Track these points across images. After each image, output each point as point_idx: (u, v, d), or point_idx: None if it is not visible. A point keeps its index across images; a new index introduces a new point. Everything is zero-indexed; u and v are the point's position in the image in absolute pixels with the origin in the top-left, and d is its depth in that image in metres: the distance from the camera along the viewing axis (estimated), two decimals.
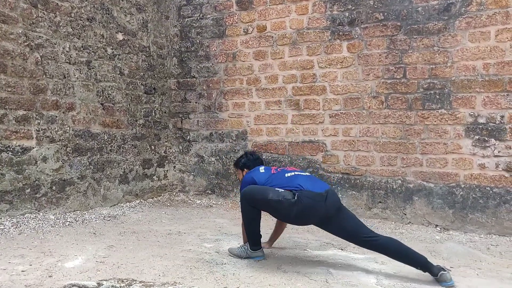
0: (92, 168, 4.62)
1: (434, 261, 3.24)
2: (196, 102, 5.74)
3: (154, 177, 5.58)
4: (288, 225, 4.33)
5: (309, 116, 4.97)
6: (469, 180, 4.16)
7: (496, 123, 4.04)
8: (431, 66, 4.34)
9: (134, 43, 5.26)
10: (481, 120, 4.11)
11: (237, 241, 3.56)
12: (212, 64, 5.60)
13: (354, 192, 4.70)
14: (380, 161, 4.58)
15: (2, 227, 3.55)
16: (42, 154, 4.03)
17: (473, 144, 4.14)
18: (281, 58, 5.14)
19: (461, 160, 4.20)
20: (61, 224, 3.86)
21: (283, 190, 2.77)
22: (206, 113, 5.67)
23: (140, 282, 2.16)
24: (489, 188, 4.07)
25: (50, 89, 4.13)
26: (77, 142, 4.44)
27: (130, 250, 3.16)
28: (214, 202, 5.46)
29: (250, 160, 3.28)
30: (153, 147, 5.57)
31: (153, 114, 5.60)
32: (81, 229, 3.76)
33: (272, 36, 5.18)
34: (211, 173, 5.62)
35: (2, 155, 3.72)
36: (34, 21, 3.96)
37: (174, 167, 5.89)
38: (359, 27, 4.69)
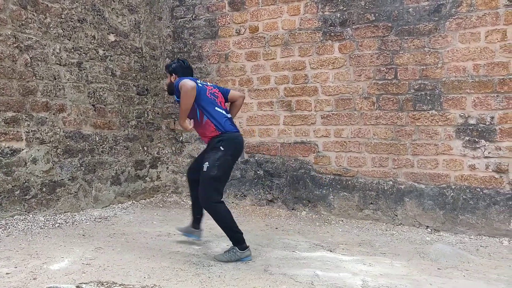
0: (83, 169, 4.61)
1: (423, 262, 3.27)
2: None
3: (146, 178, 5.58)
4: (279, 227, 4.35)
5: (301, 117, 4.96)
6: (460, 181, 4.16)
7: (486, 124, 4.04)
8: (422, 67, 4.34)
9: (126, 44, 5.25)
10: (471, 121, 4.12)
11: (226, 243, 3.55)
12: (205, 65, 5.60)
13: (345, 193, 4.70)
14: (371, 162, 4.58)
15: None
16: (32, 155, 4.02)
17: (464, 145, 4.14)
18: (273, 59, 5.14)
19: (452, 161, 4.20)
20: (51, 226, 3.85)
21: (211, 155, 3.08)
22: None
23: (120, 285, 2.16)
24: (479, 189, 4.07)
25: (40, 90, 4.13)
26: (68, 143, 4.43)
27: (118, 252, 3.16)
28: None
29: (181, 67, 3.38)
30: (145, 148, 5.57)
31: (146, 115, 5.60)
32: (70, 231, 3.75)
33: (264, 37, 5.18)
34: None
35: None
36: (23, 22, 3.95)
37: (167, 168, 5.88)
38: (350, 28, 4.69)
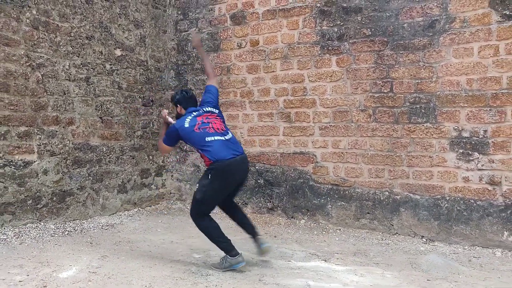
0: (91, 179, 4.82)
1: (414, 273, 3.40)
2: None
3: (152, 186, 5.78)
4: (278, 236, 4.49)
5: (300, 128, 5.12)
6: (454, 192, 4.28)
7: (480, 137, 4.16)
8: (417, 81, 4.47)
9: (132, 58, 5.46)
10: (465, 134, 4.23)
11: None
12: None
13: (343, 203, 4.84)
14: (368, 173, 4.71)
15: (4, 237, 3.76)
16: (43, 167, 4.25)
17: (458, 157, 4.26)
18: (273, 71, 5.30)
19: (446, 173, 4.32)
20: (60, 233, 4.06)
21: (201, 180, 3.32)
22: None
23: None
24: (473, 201, 4.19)
25: (50, 105, 4.35)
26: (77, 154, 4.65)
27: (123, 260, 3.35)
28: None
29: (184, 97, 3.59)
30: (151, 157, 5.77)
31: (151, 125, 5.80)
32: (78, 238, 3.96)
33: (265, 50, 5.35)
34: None
35: (5, 169, 3.94)
36: (35, 42, 4.18)
37: (172, 176, 6.08)
38: (347, 42, 4.83)
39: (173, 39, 6.06)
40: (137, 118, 5.55)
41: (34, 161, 4.17)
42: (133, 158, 5.46)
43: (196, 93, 5.83)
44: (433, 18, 4.38)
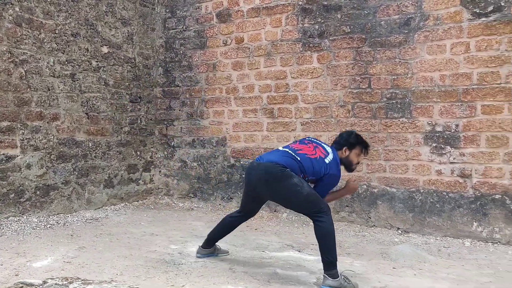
0: (76, 173, 4.94)
1: (382, 262, 3.51)
2: (179, 110, 6.03)
3: (139, 181, 5.90)
4: (259, 228, 4.59)
5: (283, 123, 5.23)
6: (428, 185, 4.39)
7: (452, 131, 4.26)
8: (393, 77, 4.57)
9: (119, 55, 5.57)
10: (438, 129, 4.34)
11: (201, 243, 3.83)
12: (194, 73, 5.90)
13: None
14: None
15: None
16: (26, 161, 4.37)
17: (431, 151, 4.36)
18: (257, 68, 5.41)
19: (420, 166, 4.42)
20: (43, 226, 4.18)
21: None
22: (189, 120, 5.97)
23: (82, 280, 2.44)
24: (445, 193, 4.29)
25: (34, 101, 4.47)
26: (61, 149, 4.77)
27: (99, 251, 3.47)
28: (195, 205, 5.75)
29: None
30: (138, 152, 5.88)
31: (139, 121, 5.91)
32: (60, 231, 4.08)
33: (249, 48, 5.46)
34: (193, 178, 5.91)
35: None
36: (18, 39, 4.29)
37: (160, 171, 6.19)
38: (328, 39, 4.93)
39: (161, 37, 6.17)
40: (124, 114, 5.66)
41: (17, 156, 4.28)
42: (120, 154, 5.58)
43: (183, 89, 5.99)
44: (408, 16, 4.48)
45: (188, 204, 5.81)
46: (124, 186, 5.64)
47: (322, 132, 4.97)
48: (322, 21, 4.97)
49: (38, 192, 4.49)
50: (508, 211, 4.01)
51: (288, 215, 5.13)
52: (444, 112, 4.30)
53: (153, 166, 6.13)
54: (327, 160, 3.03)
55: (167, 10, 6.13)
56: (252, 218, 5.05)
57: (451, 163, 4.27)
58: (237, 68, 5.55)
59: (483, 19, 4.11)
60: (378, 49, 4.65)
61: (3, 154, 4.16)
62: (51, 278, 2.47)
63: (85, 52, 5.07)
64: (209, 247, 3.42)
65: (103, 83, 5.34)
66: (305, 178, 3.00)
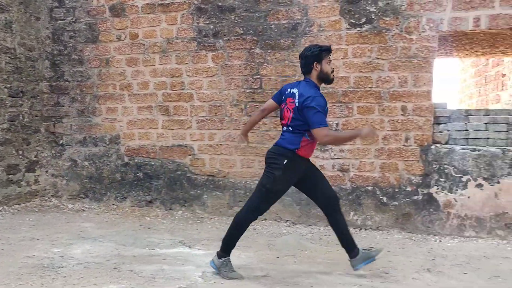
0: None
1: (267, 252, 3.72)
2: (69, 106, 5.69)
3: (22, 182, 5.44)
4: (152, 227, 4.55)
5: (178, 121, 5.24)
6: None
7: (333, 129, 4.67)
8: (283, 78, 4.86)
9: None
10: None
11: (89, 245, 3.70)
12: (86, 68, 5.61)
13: (218, 193, 5.07)
14: (240, 164, 5.00)
15: None
16: None
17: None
18: (152, 65, 5.33)
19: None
20: None
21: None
22: (79, 117, 5.66)
23: None
24: None
25: None
26: None
27: None
28: (86, 207, 5.48)
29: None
30: (20, 151, 5.42)
31: (21, 118, 5.45)
32: None
33: (144, 44, 5.36)
34: (84, 177, 5.63)
35: None
36: None
37: (47, 171, 5.78)
38: (222, 40, 5.06)
39: (47, 27, 5.75)
40: (2, 110, 5.17)
41: None
42: None
43: (73, 85, 5.66)
44: (296, 22, 4.80)
45: (78, 205, 5.52)
46: (2, 188, 5.15)
47: (217, 130, 5.08)
48: (217, 21, 5.08)
49: None
50: (378, 201, 4.52)
51: (183, 213, 5.16)
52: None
53: (38, 166, 5.70)
54: (296, 102, 2.97)
55: None
56: (146, 217, 5.03)
57: (333, 158, 4.68)
58: (131, 64, 5.42)
59: (358, 29, 4.58)
60: (269, 51, 4.90)
61: None
62: None
63: None
64: None
65: None
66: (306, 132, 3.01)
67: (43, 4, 5.73)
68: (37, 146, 5.68)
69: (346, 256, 3.28)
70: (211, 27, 5.10)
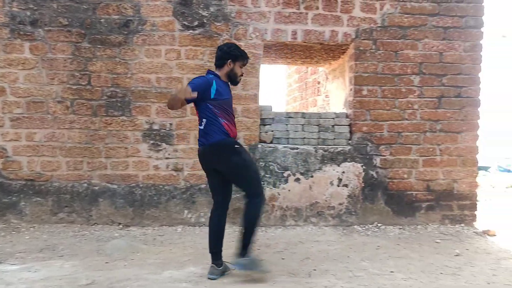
0: None
1: (96, 259, 3.52)
2: None
3: None
4: None
5: None
6: (146, 180, 4.68)
7: (167, 129, 4.69)
8: (114, 76, 4.65)
9: None
10: (155, 127, 4.68)
11: None
12: None
13: (39, 199, 4.56)
14: (66, 166, 4.60)
15: None
16: None
17: (149, 148, 4.67)
18: None
19: (140, 162, 4.67)
20: None
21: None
22: None
23: None
24: (161, 186, 4.69)
25: None
26: None
27: None
28: None
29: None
30: None
31: None
32: None
33: None
34: None
35: None
36: None
37: None
38: (42, 29, 4.56)
39: None
40: None
41: None
42: None
43: None
44: (127, 18, 4.64)
45: None
46: None
47: (37, 130, 4.57)
48: (35, 8, 4.56)
49: None
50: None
51: None
52: (160, 112, 4.68)
53: None
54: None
55: None
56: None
57: (167, 158, 4.69)
58: None
59: (191, 31, 4.69)
60: (98, 46, 4.63)
61: None
62: None
63: None
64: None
65: None
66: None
67: None
68: None
69: (177, 254, 3.34)
70: (28, 13, 4.55)
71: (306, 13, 4.81)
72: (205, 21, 4.70)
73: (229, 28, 4.74)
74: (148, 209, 4.66)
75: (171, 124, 4.69)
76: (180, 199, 4.66)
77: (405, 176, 4.88)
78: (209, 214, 3.36)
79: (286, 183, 4.83)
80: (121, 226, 4.62)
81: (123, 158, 4.65)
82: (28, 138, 4.55)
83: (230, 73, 3.22)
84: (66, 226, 4.54)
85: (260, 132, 4.89)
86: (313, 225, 4.85)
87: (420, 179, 4.89)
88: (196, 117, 4.68)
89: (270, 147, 4.84)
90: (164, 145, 4.67)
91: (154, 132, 4.67)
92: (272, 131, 4.96)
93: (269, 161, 4.82)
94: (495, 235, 4.60)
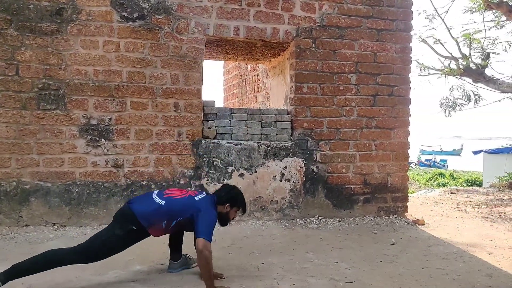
0: None
1: None
2: None
3: None
4: None
5: None
6: (84, 177, 4.45)
7: (106, 124, 4.48)
8: (46, 67, 4.34)
9: None
10: (93, 122, 4.46)
11: None
12: None
13: None
14: None
15: None
16: None
17: (87, 143, 4.44)
18: None
19: (77, 159, 4.43)
20: None
21: None
22: None
23: None
24: (101, 183, 4.48)
25: None
26: None
27: None
28: None
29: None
30: None
31: None
32: None
33: None
34: None
35: None
36: None
37: None
38: None
39: None
40: None
41: None
42: None
43: None
44: (60, 6, 4.36)
45: None
46: None
47: None
48: None
49: None
50: None
51: None
52: (99, 106, 4.46)
53: None
54: (197, 198, 2.99)
55: None
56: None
57: (106, 154, 4.49)
58: None
59: (131, 23, 4.52)
60: (27, 34, 4.30)
61: None
62: None
63: None
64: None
65: None
66: (173, 221, 2.92)
67: None
68: None
69: (124, 253, 3.23)
70: None
71: (248, 10, 4.85)
72: (145, 13, 4.56)
73: (171, 22, 4.64)
74: (86, 208, 4.43)
75: (110, 118, 4.49)
76: (121, 197, 4.49)
77: (344, 170, 5.12)
78: None
79: (230, 178, 4.84)
80: (56, 226, 4.35)
81: (58, 154, 4.37)
82: None
83: (223, 215, 3.12)
84: None
85: (203, 128, 4.85)
86: (257, 219, 4.92)
87: (357, 173, 5.17)
88: (137, 112, 4.56)
89: (213, 142, 4.82)
90: (103, 140, 4.47)
91: (92, 127, 4.44)
92: (216, 126, 4.94)
93: (213, 157, 4.80)
94: (424, 224, 5.00)
